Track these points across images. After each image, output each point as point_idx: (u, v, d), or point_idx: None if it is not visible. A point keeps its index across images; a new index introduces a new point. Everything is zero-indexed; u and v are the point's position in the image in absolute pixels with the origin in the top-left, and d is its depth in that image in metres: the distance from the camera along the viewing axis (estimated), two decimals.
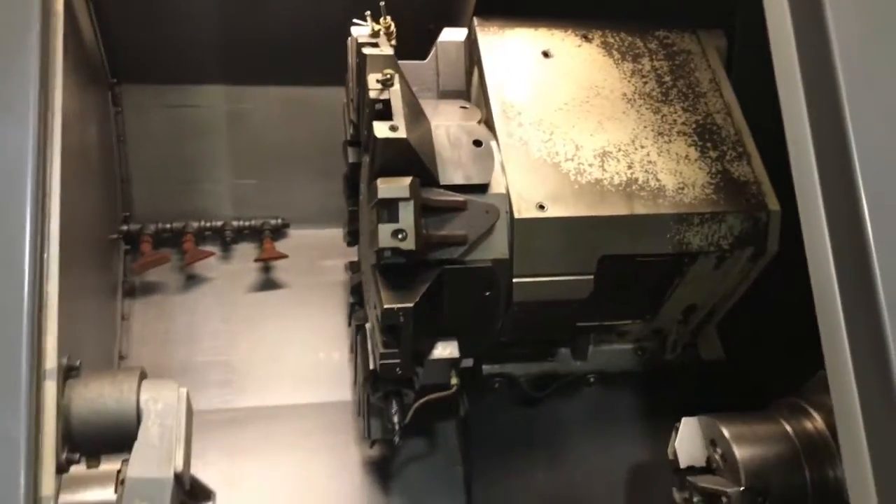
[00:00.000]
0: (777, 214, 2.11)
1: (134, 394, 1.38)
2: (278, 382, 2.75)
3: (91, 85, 2.61)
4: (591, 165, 2.10)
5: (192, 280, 2.95)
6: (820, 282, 1.55)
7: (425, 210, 1.88)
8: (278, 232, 3.04)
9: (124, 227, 2.87)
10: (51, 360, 1.26)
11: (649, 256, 2.11)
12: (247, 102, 2.96)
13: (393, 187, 1.79)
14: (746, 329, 2.49)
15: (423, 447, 2.63)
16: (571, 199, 2.03)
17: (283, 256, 2.95)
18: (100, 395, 1.37)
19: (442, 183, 1.95)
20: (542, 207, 2.01)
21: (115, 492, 1.52)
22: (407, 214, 1.80)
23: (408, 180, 1.81)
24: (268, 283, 3.00)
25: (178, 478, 1.35)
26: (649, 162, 2.13)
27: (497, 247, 1.99)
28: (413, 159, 1.86)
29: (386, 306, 1.83)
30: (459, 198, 1.95)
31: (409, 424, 2.47)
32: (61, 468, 1.33)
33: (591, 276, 2.07)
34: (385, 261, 1.90)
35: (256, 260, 2.96)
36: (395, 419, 2.11)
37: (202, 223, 2.94)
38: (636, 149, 2.15)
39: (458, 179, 1.97)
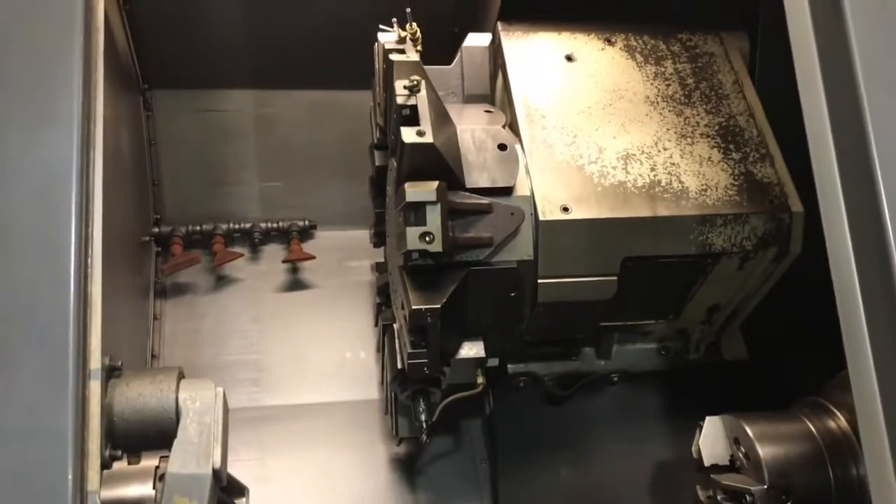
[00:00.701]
0: (800, 216, 2.12)
1: (173, 393, 1.43)
2: (306, 381, 2.80)
3: (124, 91, 2.67)
4: (614, 168, 2.12)
5: (221, 281, 3.01)
6: (842, 281, 1.57)
7: (452, 213, 1.92)
8: (305, 233, 3.10)
9: (156, 230, 2.93)
10: (95, 361, 1.31)
11: (672, 257, 2.13)
12: (274, 106, 3.02)
13: (420, 191, 1.83)
14: (770, 329, 2.50)
15: (449, 445, 2.67)
16: (595, 201, 2.06)
17: (311, 257, 3.00)
18: (140, 395, 1.42)
19: (468, 186, 1.99)
20: (566, 210, 2.04)
21: (154, 487, 1.57)
22: (434, 217, 1.83)
23: (435, 184, 1.84)
24: (295, 284, 3.05)
25: (216, 474, 1.39)
26: (672, 164, 2.15)
27: (522, 248, 2.03)
28: (439, 164, 1.90)
29: (414, 307, 1.87)
30: (485, 201, 1.98)
31: (435, 423, 2.52)
32: (105, 465, 1.38)
33: (615, 278, 2.10)
34: (413, 263, 1.94)
35: (284, 261, 3.01)
36: (423, 417, 2.15)
37: (231, 225, 3.00)
38: (659, 151, 2.17)
39: (484, 182, 2.01)
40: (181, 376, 1.48)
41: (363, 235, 2.84)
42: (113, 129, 2.48)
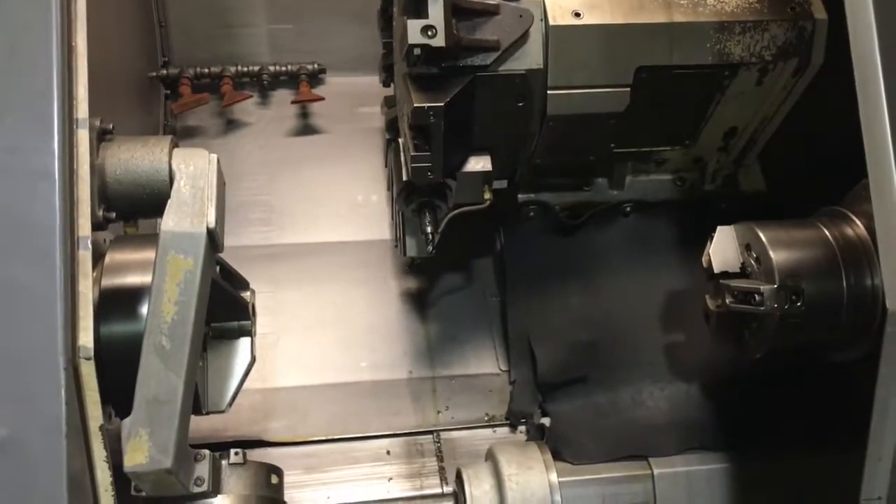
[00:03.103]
0: (824, 23, 2.03)
1: (166, 156, 1.41)
2: (317, 221, 2.78)
3: None
4: None
5: (231, 125, 2.97)
6: (865, 79, 1.51)
7: (456, 12, 1.84)
8: (315, 78, 3.03)
9: (163, 71, 2.89)
10: (83, 111, 1.28)
11: (688, 68, 2.05)
12: None
13: None
14: (788, 161, 2.43)
15: (460, 281, 2.66)
16: (608, 7, 1.98)
17: (320, 98, 2.95)
18: (132, 157, 1.40)
19: None
20: (577, 15, 1.96)
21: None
22: (437, 9, 1.76)
23: None
24: (306, 129, 3.00)
25: (211, 234, 1.38)
26: None
27: (531, 56, 1.96)
28: None
29: (416, 105, 1.82)
30: (492, 1, 1.90)
31: (444, 259, 2.51)
32: (99, 225, 1.38)
33: (628, 88, 2.03)
34: (416, 70, 1.88)
35: (293, 102, 2.96)
36: (429, 229, 2.13)
37: (239, 68, 2.94)
38: None
39: None
40: (175, 144, 1.46)
41: (374, 82, 2.76)
42: None
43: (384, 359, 2.52)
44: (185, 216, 1.36)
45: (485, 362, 2.53)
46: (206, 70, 2.92)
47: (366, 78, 2.98)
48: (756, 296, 1.81)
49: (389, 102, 2.66)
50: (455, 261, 2.66)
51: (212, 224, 1.37)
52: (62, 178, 1.22)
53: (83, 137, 1.28)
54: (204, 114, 2.94)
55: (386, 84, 2.70)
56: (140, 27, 2.76)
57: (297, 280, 2.64)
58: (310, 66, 3.00)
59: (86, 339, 1.23)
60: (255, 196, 2.81)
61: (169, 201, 1.38)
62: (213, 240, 1.40)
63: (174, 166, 1.41)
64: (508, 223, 2.56)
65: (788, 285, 1.82)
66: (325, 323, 2.56)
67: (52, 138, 1.22)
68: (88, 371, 1.23)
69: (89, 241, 1.25)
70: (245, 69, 2.95)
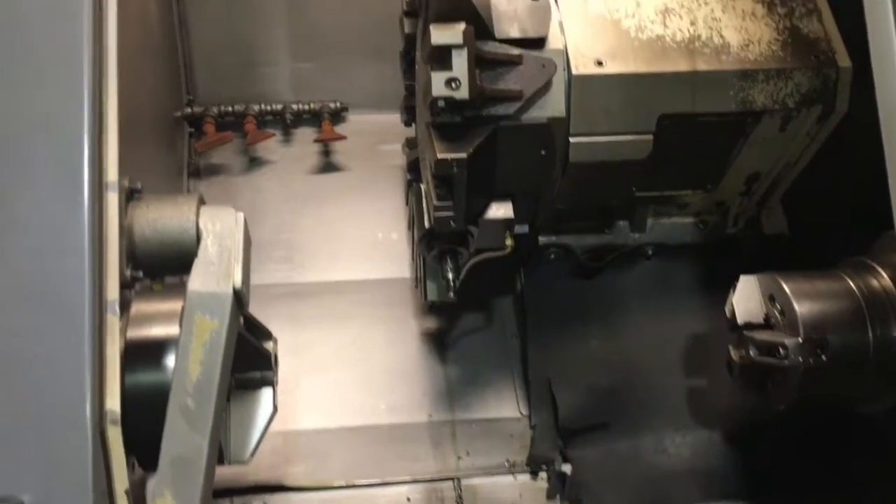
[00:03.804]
0: (848, 71, 2.02)
1: (193, 215, 1.42)
2: (338, 260, 2.80)
3: None
4: (652, 22, 2.03)
5: (254, 162, 3.00)
6: (891, 135, 1.50)
7: (479, 63, 1.85)
8: (337, 116, 3.05)
9: (188, 110, 2.92)
10: (112, 174, 1.30)
11: (711, 115, 2.05)
12: None
13: (446, 33, 1.77)
14: (811, 203, 2.42)
15: (481, 321, 2.66)
16: (631, 55, 1.99)
17: (342, 138, 2.97)
18: (160, 216, 1.41)
19: (497, 37, 1.92)
20: (600, 64, 1.97)
21: (180, 326, 1.58)
22: (461, 62, 1.77)
23: (461, 26, 1.78)
24: (328, 167, 3.03)
25: (238, 294, 1.39)
26: (713, 19, 2.06)
27: (554, 104, 1.96)
28: (467, 8, 1.82)
29: (440, 156, 1.83)
30: (515, 51, 1.91)
31: (465, 298, 2.50)
32: (126, 283, 1.39)
33: (651, 136, 2.03)
34: (439, 119, 1.89)
35: (316, 141, 2.98)
36: (450, 276, 2.13)
37: (263, 106, 2.97)
38: (700, 6, 2.07)
39: (514, 33, 1.93)
40: (202, 202, 1.47)
41: (396, 120, 2.78)
42: (140, 4, 2.45)
43: (404, 400, 2.52)
44: (212, 276, 1.37)
45: (505, 405, 2.52)
46: (230, 108, 2.95)
47: (387, 115, 2.99)
48: (780, 349, 1.80)
49: (411, 144, 2.67)
50: (475, 300, 2.66)
51: (238, 284, 1.38)
52: (91, 244, 1.23)
53: (112, 200, 1.29)
54: (227, 151, 2.97)
55: (407, 124, 2.72)
56: (166, 66, 2.79)
57: (318, 319, 2.65)
58: (332, 105, 3.03)
59: (113, 403, 1.23)
60: (278, 234, 2.84)
61: (196, 261, 1.39)
62: (239, 299, 1.40)
63: (201, 225, 1.42)
64: (529, 265, 2.56)
65: (813, 338, 1.80)
66: (345, 363, 2.56)
67: (82, 204, 1.23)
68: (115, 435, 1.24)
69: (117, 306, 1.27)
70: (268, 107, 2.98)
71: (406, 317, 2.67)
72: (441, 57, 1.78)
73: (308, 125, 3.08)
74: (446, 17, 1.82)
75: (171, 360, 1.44)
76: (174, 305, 1.50)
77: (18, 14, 1.31)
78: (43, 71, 1.29)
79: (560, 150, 2.02)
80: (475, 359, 2.59)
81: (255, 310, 1.78)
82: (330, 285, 2.74)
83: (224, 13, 2.94)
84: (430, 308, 2.65)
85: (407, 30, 2.41)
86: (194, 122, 2.96)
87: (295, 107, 3.00)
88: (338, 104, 3.04)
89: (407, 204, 2.79)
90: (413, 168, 2.62)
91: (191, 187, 2.89)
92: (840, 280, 1.90)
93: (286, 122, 3.01)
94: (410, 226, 2.69)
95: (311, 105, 3.02)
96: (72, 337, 1.21)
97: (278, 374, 1.85)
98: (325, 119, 3.00)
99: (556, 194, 2.19)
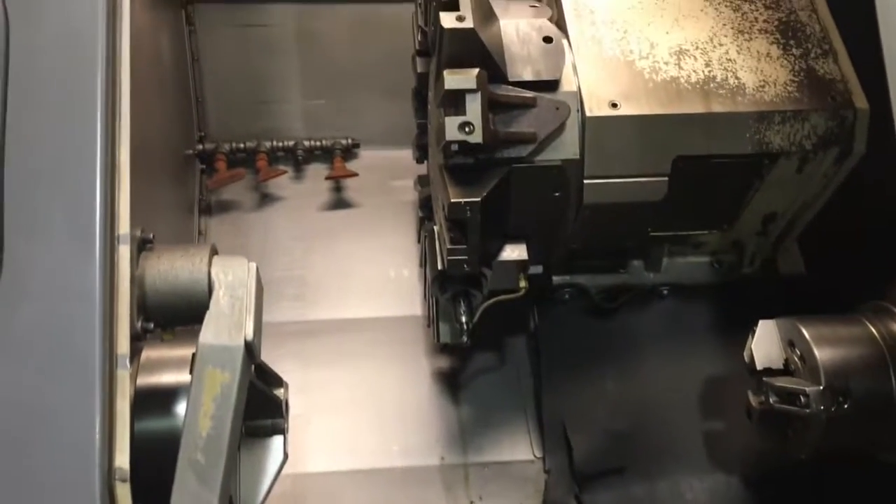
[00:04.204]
0: (865, 113, 2.00)
1: (205, 266, 1.41)
2: (350, 297, 2.78)
3: (164, 2, 2.64)
4: (666, 63, 2.02)
5: (265, 199, 3.00)
6: None
7: (493, 106, 1.84)
8: (349, 152, 3.06)
9: (200, 147, 2.92)
10: (124, 226, 1.29)
11: (727, 157, 2.03)
12: (317, 21, 2.96)
13: (460, 78, 1.76)
14: (828, 243, 2.39)
15: (493, 361, 2.63)
16: (645, 97, 1.97)
17: (354, 175, 2.97)
18: (172, 267, 1.40)
19: (510, 79, 1.91)
20: (614, 106, 1.95)
21: (190, 373, 1.56)
22: (474, 107, 1.76)
23: (475, 71, 1.77)
24: (339, 203, 3.02)
25: (249, 347, 1.37)
26: (728, 60, 2.04)
27: (567, 147, 1.95)
28: (480, 52, 1.82)
29: (453, 200, 1.82)
30: (528, 94, 1.90)
31: (478, 338, 2.47)
32: (137, 335, 1.37)
33: (666, 178, 2.01)
34: (453, 161, 1.88)
35: (328, 178, 2.98)
36: (464, 319, 2.11)
37: (274, 143, 2.98)
38: (714, 47, 2.06)
39: (528, 76, 1.92)
40: (214, 252, 1.46)
41: (407, 155, 2.78)
42: (152, 40, 2.45)
43: (416, 442, 2.49)
44: (224, 329, 1.35)
45: (519, 448, 2.48)
46: (242, 145, 2.96)
47: (398, 151, 3.00)
48: (801, 397, 1.76)
49: (423, 182, 2.66)
50: (488, 339, 2.63)
51: (249, 337, 1.36)
52: (102, 297, 1.22)
53: (124, 253, 1.29)
54: (239, 188, 2.97)
55: (419, 161, 2.71)
56: (178, 103, 2.80)
57: (329, 357, 2.63)
58: (344, 141, 3.03)
59: (122, 460, 1.22)
60: (289, 271, 2.83)
61: (208, 313, 1.37)
62: (251, 351, 1.39)
63: (213, 276, 1.41)
64: (543, 304, 2.53)
65: (835, 386, 1.77)
66: (356, 402, 2.54)
67: (94, 258, 1.22)
68: (123, 493, 1.22)
69: (127, 360, 1.25)
70: (280, 144, 2.99)
71: (418, 356, 2.65)
72: (454, 101, 1.78)
73: (320, 161, 3.08)
74: (459, 61, 1.81)
75: (181, 408, 1.42)
76: (185, 352, 1.49)
77: (33, 64, 1.30)
78: (56, 121, 1.29)
79: (574, 192, 2.01)
80: (488, 399, 2.56)
81: (266, 348, 1.76)
82: (341, 323, 2.72)
83: (236, 50, 2.96)
84: (443, 347, 2.62)
85: (419, 69, 2.41)
86: (206, 159, 2.96)
87: (306, 143, 3.01)
88: (349, 140, 3.04)
89: (419, 241, 2.78)
90: (425, 206, 2.61)
91: (202, 224, 2.89)
92: (861, 325, 1.87)
93: (297, 159, 3.01)
94: (422, 263, 2.67)
95: (323, 141, 3.02)
96: (82, 392, 1.20)
97: (289, 420, 1.83)
98: (337, 155, 3.01)
99: (570, 235, 2.18)
